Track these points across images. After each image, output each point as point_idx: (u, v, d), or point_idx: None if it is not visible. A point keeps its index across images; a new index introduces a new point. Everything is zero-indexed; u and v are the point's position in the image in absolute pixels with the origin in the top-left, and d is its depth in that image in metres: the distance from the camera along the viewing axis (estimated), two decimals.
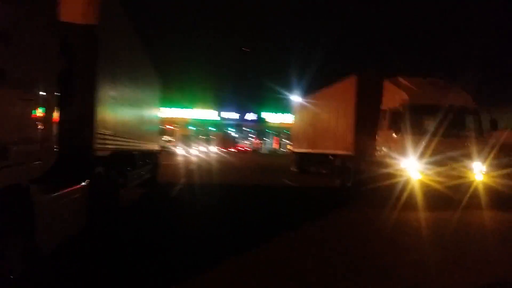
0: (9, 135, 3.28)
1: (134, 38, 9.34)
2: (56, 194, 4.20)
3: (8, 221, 3.25)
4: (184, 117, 65.85)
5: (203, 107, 70.94)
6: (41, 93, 3.87)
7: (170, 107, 57.97)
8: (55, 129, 4.23)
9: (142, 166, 10.55)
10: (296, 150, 21.88)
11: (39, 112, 3.85)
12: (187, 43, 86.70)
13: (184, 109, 65.84)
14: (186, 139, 48.00)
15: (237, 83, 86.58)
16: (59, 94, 4.33)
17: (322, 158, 17.42)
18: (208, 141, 61.32)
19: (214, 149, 58.94)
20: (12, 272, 3.35)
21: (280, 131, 77.48)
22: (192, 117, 68.36)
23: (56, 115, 4.26)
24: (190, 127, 64.00)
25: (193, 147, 46.64)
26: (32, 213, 3.60)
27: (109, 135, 6.59)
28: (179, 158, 28.00)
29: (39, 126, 3.84)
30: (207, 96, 68.26)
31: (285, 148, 76.30)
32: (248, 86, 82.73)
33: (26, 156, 3.57)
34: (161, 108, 16.52)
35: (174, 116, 59.39)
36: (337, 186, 14.39)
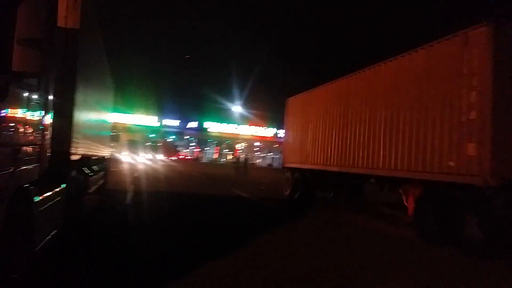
0: (18, 138, 3.36)
1: (100, 41, 9.32)
2: (47, 194, 4.24)
3: (15, 220, 3.31)
4: (123, 122, 63.98)
5: (143, 113, 69.41)
6: (42, 96, 3.94)
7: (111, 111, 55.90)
8: (49, 133, 4.28)
9: (97, 172, 10.39)
10: (297, 165, 14.78)
11: (38, 115, 3.92)
12: (131, 46, 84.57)
13: (124, 114, 63.95)
14: (132, 146, 46.58)
15: (179, 91, 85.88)
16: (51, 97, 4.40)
17: (359, 183, 12.67)
18: (154, 148, 59.82)
19: (160, 156, 57.61)
20: (14, 270, 3.39)
21: (221, 141, 77.74)
22: (132, 122, 66.51)
23: (48, 118, 4.31)
24: (135, 133, 62.12)
25: (140, 154, 45.41)
26: (32, 212, 3.66)
27: (80, 139, 6.59)
28: (125, 166, 27.26)
29: (38, 130, 3.90)
30: (148, 102, 66.94)
31: (225, 157, 76.86)
32: (190, 95, 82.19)
33: (29, 159, 3.64)
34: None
35: (113, 121, 57.22)
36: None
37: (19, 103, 3.30)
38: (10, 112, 3.11)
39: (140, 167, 30.35)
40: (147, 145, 60.05)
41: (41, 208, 3.95)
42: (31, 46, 2.84)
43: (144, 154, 50.43)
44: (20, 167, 3.32)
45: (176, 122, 73.12)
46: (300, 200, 13.93)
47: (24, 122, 3.49)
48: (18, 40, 2.81)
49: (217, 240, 6.94)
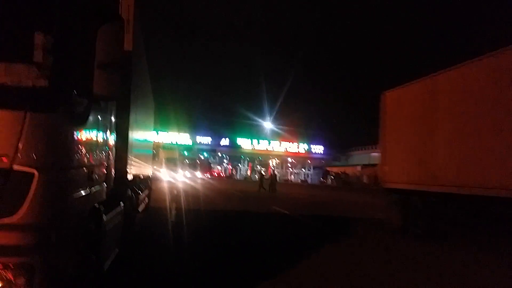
0: (93, 159, 3.41)
1: (145, 62, 9.55)
2: (112, 214, 4.28)
3: (88, 240, 3.33)
4: (159, 140, 65.35)
5: (176, 131, 70.74)
6: (107, 117, 4.02)
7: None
8: (113, 153, 4.34)
9: (143, 191, 10.55)
10: (411, 186, 10.32)
11: (106, 136, 3.98)
12: (162, 65, 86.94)
13: (158, 132, 65.36)
14: (171, 163, 47.24)
15: (211, 108, 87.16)
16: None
17: None
18: (190, 166, 60.48)
19: (199, 174, 58.04)
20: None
21: (254, 157, 77.89)
22: (166, 140, 67.82)
23: (112, 139, 4.38)
24: (171, 151, 63.26)
25: (179, 172, 45.96)
26: (102, 232, 3.69)
27: (133, 159, 6.69)
28: (165, 184, 27.64)
29: (106, 150, 3.96)
30: (181, 120, 68.24)
31: (257, 174, 76.94)
32: (221, 112, 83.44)
33: (99, 179, 3.69)
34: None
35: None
36: None
37: (93, 125, 3.36)
38: (87, 133, 3.16)
39: (179, 184, 30.69)
40: (183, 162, 60.87)
41: (108, 228, 3.98)
42: (109, 70, 2.89)
43: (182, 172, 51.05)
44: (93, 187, 3.36)
45: (207, 139, 74.09)
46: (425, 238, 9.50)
47: (96, 143, 3.55)
48: (98, 64, 2.87)
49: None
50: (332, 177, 76.58)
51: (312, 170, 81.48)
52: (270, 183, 30.47)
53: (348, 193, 35.57)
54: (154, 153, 22.39)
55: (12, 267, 2.39)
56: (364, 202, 23.92)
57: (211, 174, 66.66)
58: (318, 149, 78.77)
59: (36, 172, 2.41)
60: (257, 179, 32.63)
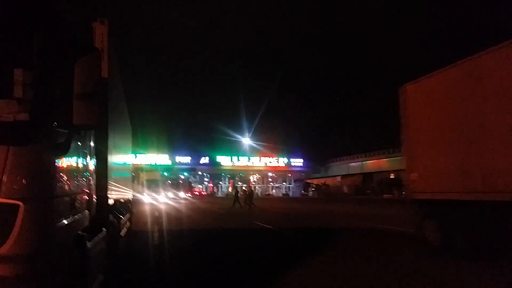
0: (75, 187, 3.48)
1: (120, 86, 9.62)
2: (95, 240, 4.31)
3: (71, 268, 3.37)
4: (137, 162, 64.63)
5: (155, 152, 70.24)
6: (86, 144, 4.09)
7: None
8: (93, 179, 4.40)
9: (124, 215, 10.49)
10: (454, 196, 8.51)
11: (85, 163, 4.05)
12: (140, 87, 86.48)
13: (136, 154, 64.70)
14: (153, 185, 46.68)
15: (189, 128, 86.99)
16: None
17: None
18: (175, 186, 59.79)
19: (182, 194, 57.36)
20: None
21: (234, 174, 77.81)
22: (144, 162, 67.17)
23: (91, 165, 4.45)
24: (150, 172, 62.59)
25: (161, 193, 45.43)
26: (87, 259, 3.73)
27: (112, 183, 6.71)
28: (146, 206, 27.34)
29: (86, 177, 4.03)
30: (159, 141, 67.87)
31: (240, 190, 76.64)
32: (200, 131, 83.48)
33: (82, 206, 3.75)
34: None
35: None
36: None
37: (74, 153, 3.44)
38: (69, 162, 3.24)
39: (161, 206, 30.41)
40: (163, 183, 60.31)
41: (92, 255, 4.01)
42: (88, 100, 3.01)
43: (169, 193, 50.58)
44: (77, 215, 3.42)
45: (187, 159, 73.82)
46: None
47: (78, 170, 3.63)
48: (77, 95, 2.98)
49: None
50: (313, 189, 77.09)
51: (293, 183, 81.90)
52: (246, 198, 29.56)
53: (331, 204, 35.87)
54: (134, 175, 22.19)
55: None
56: (349, 212, 24.22)
57: (192, 193, 66.13)
58: (298, 162, 79.44)
59: (21, 204, 2.48)
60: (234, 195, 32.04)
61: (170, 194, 52.18)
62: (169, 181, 64.16)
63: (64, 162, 3.13)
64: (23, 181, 2.55)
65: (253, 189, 35.38)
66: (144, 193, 35.73)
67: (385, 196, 63.41)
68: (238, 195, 31.23)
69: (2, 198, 2.46)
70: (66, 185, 3.15)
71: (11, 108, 2.58)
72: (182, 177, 73.72)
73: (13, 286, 2.46)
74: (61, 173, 3.03)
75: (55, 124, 2.89)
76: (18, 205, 2.48)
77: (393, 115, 11.28)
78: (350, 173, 77.17)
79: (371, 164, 70.98)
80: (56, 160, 2.93)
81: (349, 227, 15.12)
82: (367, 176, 73.47)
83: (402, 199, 10.54)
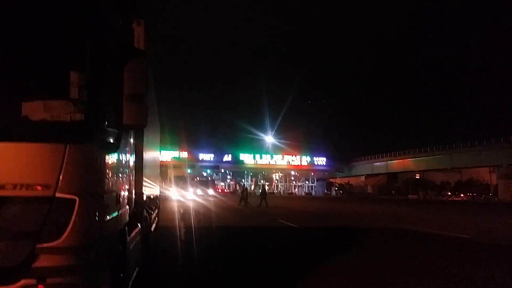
0: (120, 184, 3.65)
1: (152, 85, 9.86)
2: (133, 235, 4.50)
3: (117, 259, 3.55)
4: (163, 160, 65.69)
5: (181, 149, 71.23)
6: (129, 142, 4.27)
7: None
8: (133, 176, 4.59)
9: (154, 211, 10.76)
10: None
11: (128, 160, 4.23)
12: (168, 89, 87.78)
13: (161, 151, 65.61)
14: (180, 182, 47.32)
15: (212, 125, 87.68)
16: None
17: None
18: (205, 183, 60.35)
19: (211, 191, 57.87)
20: None
21: (257, 172, 78.08)
22: (170, 160, 68.18)
23: (131, 162, 4.63)
24: (185, 169, 63.59)
25: (189, 190, 46.02)
26: (128, 253, 3.91)
27: (145, 180, 6.92)
28: (173, 202, 27.77)
29: (128, 174, 4.21)
30: (183, 138, 68.76)
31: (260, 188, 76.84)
32: (223, 129, 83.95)
33: (125, 202, 3.93)
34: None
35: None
36: None
37: (121, 151, 3.62)
38: (117, 160, 3.41)
39: (186, 202, 30.84)
40: (200, 180, 61.06)
41: (131, 248, 4.19)
42: (137, 101, 3.16)
43: (198, 190, 51.35)
44: (121, 210, 3.60)
45: (210, 156, 74.45)
46: None
47: (123, 168, 3.80)
48: (127, 97, 3.14)
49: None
50: (336, 188, 76.58)
51: (315, 182, 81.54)
52: (260, 196, 29.60)
53: (357, 204, 35.50)
54: (161, 172, 22.64)
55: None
56: (386, 212, 23.85)
57: (215, 191, 66.80)
58: (321, 161, 78.95)
59: (77, 198, 2.65)
60: (240, 193, 31.62)
61: (199, 191, 52.74)
62: (197, 178, 64.87)
63: (114, 159, 3.30)
64: (79, 177, 2.71)
65: (266, 188, 36.79)
66: (172, 190, 36.20)
67: (410, 196, 62.33)
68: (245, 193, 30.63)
69: (60, 193, 2.63)
70: (114, 182, 3.32)
71: (67, 109, 2.75)
72: (205, 174, 74.49)
73: (69, 276, 2.62)
74: (111, 170, 3.21)
75: (106, 124, 3.05)
76: (74, 200, 2.64)
77: (419, 115, 11.03)
78: (375, 172, 76.29)
79: (397, 163, 69.96)
80: (107, 158, 3.10)
81: (405, 229, 15.08)
82: (392, 176, 72.52)
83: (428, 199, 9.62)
